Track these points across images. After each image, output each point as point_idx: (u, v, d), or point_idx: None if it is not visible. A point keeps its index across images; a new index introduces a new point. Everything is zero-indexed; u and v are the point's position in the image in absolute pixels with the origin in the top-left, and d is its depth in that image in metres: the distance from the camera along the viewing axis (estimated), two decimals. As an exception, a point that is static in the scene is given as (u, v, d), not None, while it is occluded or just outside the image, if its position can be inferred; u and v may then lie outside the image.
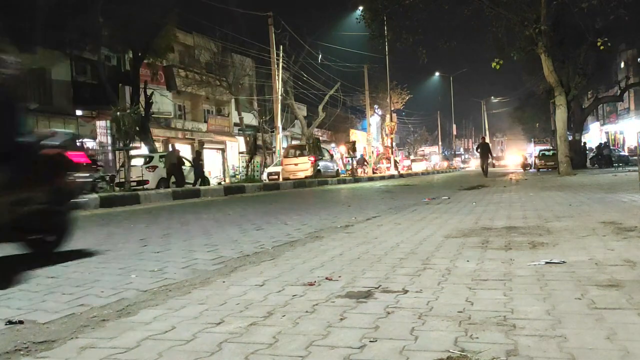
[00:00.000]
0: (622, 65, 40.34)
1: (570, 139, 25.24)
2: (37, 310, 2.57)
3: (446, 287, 2.62)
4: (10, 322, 2.33)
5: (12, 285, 3.22)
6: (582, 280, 2.62)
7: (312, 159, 25.57)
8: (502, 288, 2.53)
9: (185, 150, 29.97)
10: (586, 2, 16.98)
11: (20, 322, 2.33)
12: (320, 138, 45.56)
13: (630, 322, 1.94)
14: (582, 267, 2.92)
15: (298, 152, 27.29)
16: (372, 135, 45.99)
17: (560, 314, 2.06)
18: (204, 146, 33.39)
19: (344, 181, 25.11)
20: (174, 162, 18.57)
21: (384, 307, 2.28)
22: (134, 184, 16.85)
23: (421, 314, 2.15)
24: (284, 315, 2.23)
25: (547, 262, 3.09)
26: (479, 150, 24.24)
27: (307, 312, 2.27)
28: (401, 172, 37.64)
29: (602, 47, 19.75)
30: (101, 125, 26.14)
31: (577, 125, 31.73)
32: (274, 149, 33.37)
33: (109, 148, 27.02)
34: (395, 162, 40.44)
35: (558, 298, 2.30)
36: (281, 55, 30.07)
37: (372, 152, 42.54)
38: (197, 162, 20.86)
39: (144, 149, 22.65)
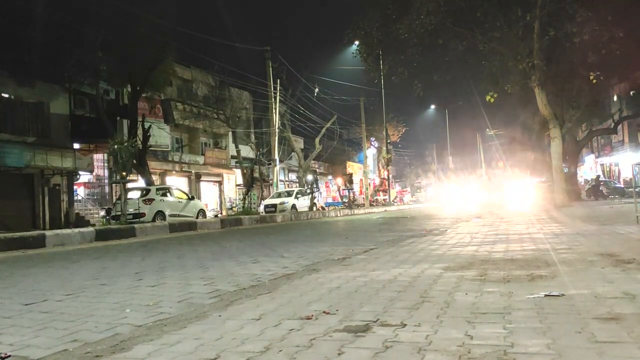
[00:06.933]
0: (615, 98, 40.90)
1: (565, 171, 25.41)
2: (29, 346, 2.52)
3: (445, 320, 2.58)
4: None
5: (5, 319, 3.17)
6: (581, 313, 2.59)
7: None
8: (502, 321, 2.51)
9: (182, 183, 29.99)
10: (578, 37, 17.28)
11: (7, 355, 2.29)
12: (317, 170, 45.83)
13: (631, 356, 1.92)
14: (582, 300, 2.90)
15: None
16: (368, 168, 46.06)
17: (561, 348, 2.03)
18: (201, 179, 33.43)
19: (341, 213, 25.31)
20: None
21: (382, 341, 2.25)
22: (131, 216, 16.78)
23: (420, 349, 2.12)
24: (280, 350, 2.19)
25: (546, 295, 3.06)
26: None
27: (304, 346, 2.23)
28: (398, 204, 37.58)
29: (594, 81, 20.06)
30: (99, 158, 26.22)
31: (572, 157, 31.95)
32: (271, 181, 33.41)
33: (106, 181, 27.05)
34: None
35: (558, 331, 2.27)
36: (278, 88, 30.41)
37: (369, 184, 42.54)
38: None
39: (140, 182, 22.64)
